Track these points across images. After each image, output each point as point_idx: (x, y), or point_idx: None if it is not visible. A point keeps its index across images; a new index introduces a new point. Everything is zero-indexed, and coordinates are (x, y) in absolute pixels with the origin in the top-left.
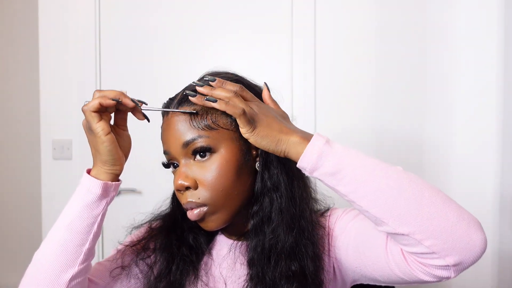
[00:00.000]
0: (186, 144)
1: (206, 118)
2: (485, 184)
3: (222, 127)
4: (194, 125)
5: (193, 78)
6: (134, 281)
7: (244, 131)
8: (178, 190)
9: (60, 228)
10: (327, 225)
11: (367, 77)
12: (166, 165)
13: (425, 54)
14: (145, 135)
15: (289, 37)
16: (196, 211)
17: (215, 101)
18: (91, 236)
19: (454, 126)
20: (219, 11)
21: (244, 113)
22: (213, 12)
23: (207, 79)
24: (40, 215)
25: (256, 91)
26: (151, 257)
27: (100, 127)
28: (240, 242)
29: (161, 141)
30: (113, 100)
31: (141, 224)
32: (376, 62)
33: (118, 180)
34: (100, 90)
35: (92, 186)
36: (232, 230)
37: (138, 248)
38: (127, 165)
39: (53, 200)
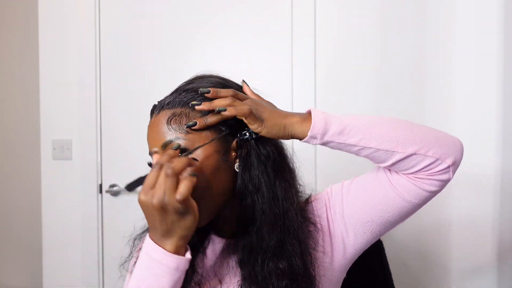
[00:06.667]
0: (165, 145)
1: (182, 121)
2: (485, 183)
3: (200, 130)
4: (172, 127)
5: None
6: None
7: (255, 127)
8: None
9: None
10: (315, 212)
11: (367, 77)
12: (152, 165)
13: (425, 54)
14: (143, 134)
15: (289, 37)
16: None
17: (225, 110)
18: None
19: (454, 126)
20: (219, 11)
21: (251, 112)
22: (213, 12)
23: (202, 91)
24: (40, 215)
25: (241, 90)
26: None
27: (197, 209)
28: (233, 242)
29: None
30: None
31: (142, 233)
32: (376, 63)
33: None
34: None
35: (180, 264)
36: (222, 230)
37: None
38: (125, 165)
39: (53, 200)
